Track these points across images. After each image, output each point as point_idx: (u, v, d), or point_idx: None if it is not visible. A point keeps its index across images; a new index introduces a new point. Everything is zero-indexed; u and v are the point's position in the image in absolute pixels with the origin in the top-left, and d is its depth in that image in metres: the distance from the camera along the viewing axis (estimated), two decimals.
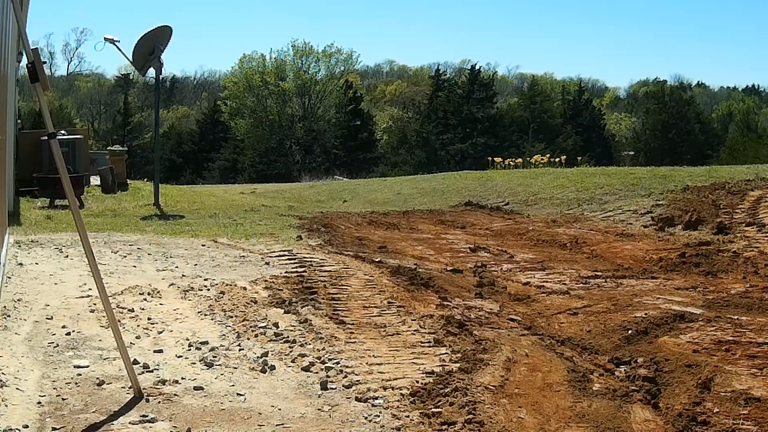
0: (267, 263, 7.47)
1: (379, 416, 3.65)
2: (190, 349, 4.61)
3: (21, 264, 6.90)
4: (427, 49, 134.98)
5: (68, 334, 4.82)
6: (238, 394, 3.93)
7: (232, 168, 46.88)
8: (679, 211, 10.45)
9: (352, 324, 5.27)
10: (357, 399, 3.87)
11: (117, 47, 13.30)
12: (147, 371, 4.18)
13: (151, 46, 12.76)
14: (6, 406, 3.59)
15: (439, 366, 4.33)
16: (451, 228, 10.97)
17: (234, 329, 5.05)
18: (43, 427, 3.42)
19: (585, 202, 12.70)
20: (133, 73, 51.90)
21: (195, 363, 4.38)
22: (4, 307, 5.28)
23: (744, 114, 48.01)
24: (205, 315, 5.42)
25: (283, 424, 3.57)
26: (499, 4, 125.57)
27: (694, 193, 11.79)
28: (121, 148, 18.65)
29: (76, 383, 3.97)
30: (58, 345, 4.59)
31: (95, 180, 15.71)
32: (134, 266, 7.16)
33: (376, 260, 7.59)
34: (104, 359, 4.36)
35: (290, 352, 4.61)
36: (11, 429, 3.35)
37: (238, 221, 10.86)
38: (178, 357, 4.48)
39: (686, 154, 43.62)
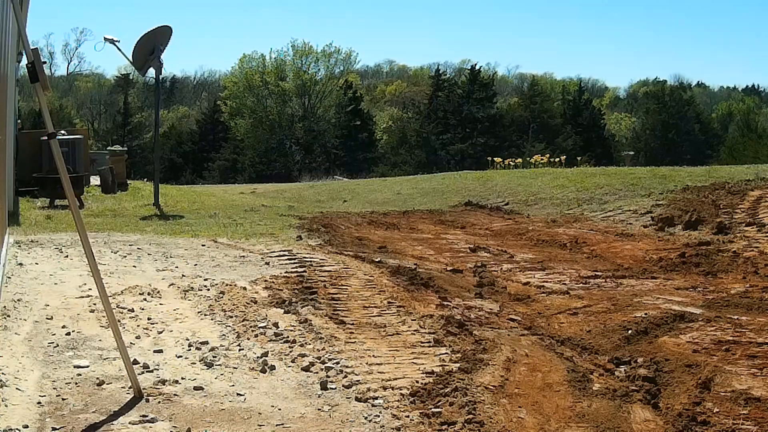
0: (267, 263, 7.47)
1: (379, 416, 3.65)
2: (190, 349, 4.61)
3: (21, 264, 6.90)
4: (427, 49, 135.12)
5: (68, 334, 4.82)
6: (238, 394, 3.93)
7: (232, 168, 46.89)
8: (679, 211, 10.45)
9: (352, 324, 5.27)
10: (357, 399, 3.87)
11: (117, 47, 13.31)
12: (147, 371, 4.18)
13: (151, 46, 12.76)
14: (6, 406, 3.59)
15: (439, 366, 4.33)
16: (451, 228, 10.97)
17: (234, 329, 5.05)
18: (43, 427, 3.42)
19: (585, 202, 12.70)
20: (133, 73, 51.88)
21: (195, 363, 4.38)
22: (4, 307, 5.28)
23: (744, 114, 47.98)
24: (205, 315, 5.42)
25: (283, 424, 3.57)
26: (499, 4, 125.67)
27: (694, 193, 11.79)
28: (121, 148, 18.66)
29: (76, 383, 3.97)
30: (58, 345, 4.59)
31: (95, 180, 15.72)
32: (134, 266, 7.16)
33: (376, 260, 7.59)
34: (104, 359, 4.36)
35: (290, 352, 4.61)
36: (11, 429, 3.35)
37: (238, 221, 10.86)
38: (178, 357, 4.48)
39: (686, 154, 43.65)
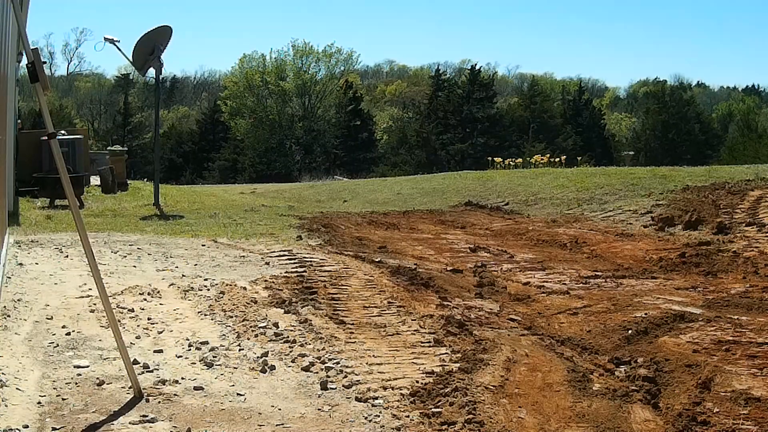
0: (267, 263, 7.47)
1: (379, 416, 3.65)
2: (190, 349, 4.61)
3: (21, 264, 6.89)
4: (427, 49, 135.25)
5: (68, 334, 4.82)
6: (238, 394, 3.93)
7: (232, 168, 46.89)
8: (679, 211, 10.45)
9: (352, 324, 5.27)
10: (357, 399, 3.87)
11: (117, 47, 13.31)
12: (147, 371, 4.18)
13: (151, 46, 12.76)
14: (6, 406, 3.59)
15: (439, 366, 4.33)
16: (451, 228, 10.97)
17: (234, 329, 5.05)
18: (43, 427, 3.42)
19: (585, 202, 12.69)
20: (133, 73, 51.89)
21: (195, 363, 4.38)
22: (4, 307, 5.28)
23: (744, 114, 48.02)
24: (205, 315, 5.42)
25: (283, 424, 3.57)
26: (499, 4, 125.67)
27: (694, 193, 11.79)
28: (121, 148, 18.65)
29: (76, 383, 3.97)
30: (58, 345, 4.59)
31: (95, 180, 15.72)
32: (134, 266, 7.16)
33: (376, 260, 7.59)
34: (104, 359, 4.36)
35: (290, 352, 4.61)
36: (11, 429, 3.35)
37: (238, 221, 10.86)
38: (178, 357, 4.48)
39: (686, 154, 43.63)
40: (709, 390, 3.92)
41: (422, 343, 4.83)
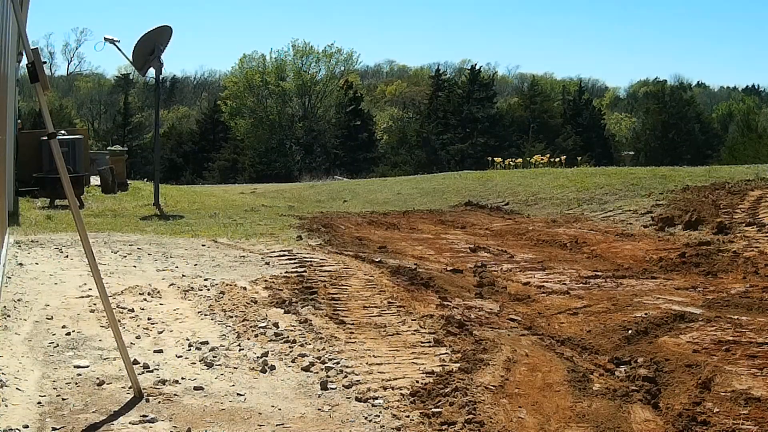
0: (267, 263, 7.47)
1: (379, 416, 3.65)
2: (190, 349, 4.61)
3: (21, 264, 6.89)
4: (427, 49, 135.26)
5: (68, 334, 4.82)
6: (238, 394, 3.93)
7: (232, 168, 46.88)
8: (679, 211, 10.45)
9: (352, 324, 5.27)
10: (357, 399, 3.87)
11: (117, 47, 13.32)
12: (147, 371, 4.18)
13: (151, 46, 12.76)
14: (6, 406, 3.59)
15: (439, 366, 4.33)
16: (451, 228, 10.97)
17: (234, 329, 5.05)
18: (43, 427, 3.42)
19: (585, 202, 12.69)
20: (133, 73, 51.92)
21: (195, 363, 4.38)
22: (4, 307, 5.28)
23: (744, 114, 47.98)
24: (205, 315, 5.42)
25: (283, 424, 3.57)
26: (499, 4, 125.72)
27: (694, 193, 11.79)
28: (121, 148, 18.66)
29: (76, 383, 3.97)
30: (58, 345, 4.59)
31: (95, 180, 15.72)
32: (134, 266, 7.16)
33: (376, 260, 7.59)
34: (104, 359, 4.36)
35: (290, 352, 4.61)
36: (11, 429, 3.35)
37: (238, 221, 10.86)
38: (178, 357, 4.48)
39: (686, 154, 43.63)
40: (709, 390, 3.92)
41: (422, 343, 4.83)
